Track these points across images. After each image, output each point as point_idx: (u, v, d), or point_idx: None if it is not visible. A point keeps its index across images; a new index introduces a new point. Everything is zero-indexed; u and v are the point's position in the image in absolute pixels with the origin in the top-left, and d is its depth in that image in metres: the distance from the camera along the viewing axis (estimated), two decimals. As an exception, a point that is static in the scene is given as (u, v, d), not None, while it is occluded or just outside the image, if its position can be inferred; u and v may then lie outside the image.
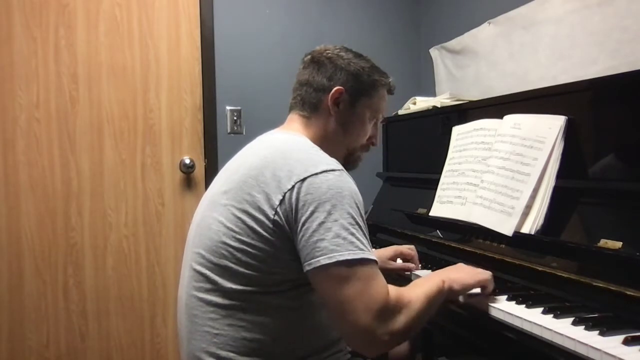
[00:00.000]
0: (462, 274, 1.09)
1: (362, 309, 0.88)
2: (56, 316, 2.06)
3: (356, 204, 0.95)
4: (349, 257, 0.89)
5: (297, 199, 0.92)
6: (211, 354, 0.97)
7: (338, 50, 1.16)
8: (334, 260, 0.89)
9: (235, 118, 2.30)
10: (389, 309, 0.91)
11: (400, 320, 0.92)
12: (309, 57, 1.18)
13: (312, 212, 0.91)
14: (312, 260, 0.90)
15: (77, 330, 2.09)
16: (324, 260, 0.89)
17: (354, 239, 0.91)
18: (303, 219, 0.92)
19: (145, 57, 2.16)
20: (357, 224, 0.93)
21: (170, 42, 2.19)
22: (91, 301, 2.10)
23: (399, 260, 1.45)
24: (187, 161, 2.21)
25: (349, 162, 1.19)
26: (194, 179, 2.25)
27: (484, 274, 1.11)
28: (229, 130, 2.30)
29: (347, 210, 0.92)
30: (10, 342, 2.00)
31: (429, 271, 1.39)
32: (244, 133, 2.31)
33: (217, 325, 0.97)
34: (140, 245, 2.17)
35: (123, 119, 2.14)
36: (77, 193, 2.08)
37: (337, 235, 0.90)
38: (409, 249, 1.44)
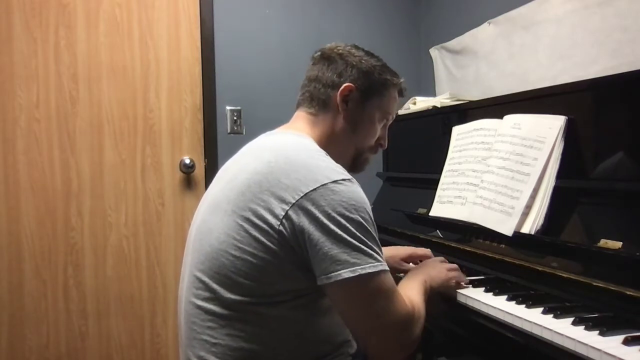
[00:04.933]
0: (438, 273, 1.16)
1: (392, 323, 0.92)
2: (56, 316, 2.06)
3: (369, 213, 0.94)
4: (371, 271, 0.89)
5: (308, 211, 0.89)
6: None
7: (349, 47, 1.13)
8: (357, 274, 0.88)
9: (235, 118, 2.30)
10: (411, 318, 0.95)
11: (419, 326, 0.97)
12: (319, 53, 1.15)
13: (327, 226, 0.89)
14: (332, 274, 0.88)
15: (77, 330, 2.09)
16: (346, 273, 0.87)
17: (372, 252, 0.90)
18: (317, 232, 0.89)
19: (145, 57, 2.16)
20: (372, 235, 0.93)
21: (170, 42, 2.19)
22: (91, 301, 2.10)
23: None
24: (187, 161, 2.21)
25: (357, 164, 1.16)
26: (194, 179, 2.25)
27: (453, 267, 1.20)
28: (229, 130, 2.30)
29: (361, 223, 0.91)
30: (10, 342, 2.00)
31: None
32: (244, 133, 2.31)
33: (216, 334, 0.95)
34: (140, 245, 2.17)
35: (123, 119, 2.14)
36: (77, 193, 2.08)
37: (356, 249, 0.89)
38: (424, 252, 1.40)
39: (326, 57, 1.12)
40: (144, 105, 2.16)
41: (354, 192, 0.93)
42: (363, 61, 1.11)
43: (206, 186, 2.24)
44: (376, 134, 1.16)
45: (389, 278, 0.93)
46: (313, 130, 1.10)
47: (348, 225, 0.89)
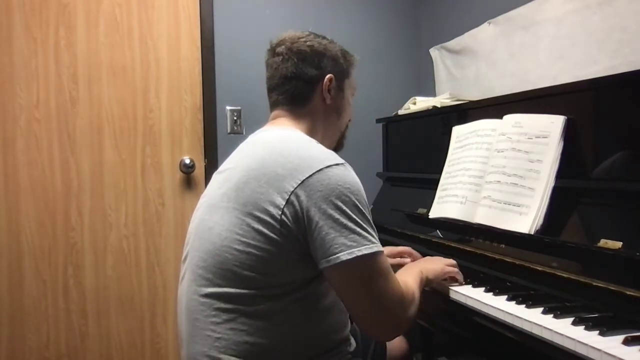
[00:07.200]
0: (434, 265, 1.20)
1: (390, 301, 0.95)
2: (56, 316, 2.06)
3: (363, 196, 0.97)
4: (367, 252, 0.92)
5: (306, 196, 0.92)
6: (212, 358, 0.96)
7: (311, 36, 1.16)
8: (354, 255, 0.90)
9: (235, 118, 2.30)
10: (406, 298, 0.99)
11: (414, 307, 1.01)
12: (282, 47, 1.14)
13: (325, 209, 0.91)
14: (331, 257, 0.91)
15: (77, 330, 2.09)
16: (344, 256, 0.90)
17: (366, 233, 0.93)
18: (316, 217, 0.91)
19: (145, 57, 2.16)
20: (367, 217, 0.96)
21: (170, 42, 2.19)
22: (91, 301, 2.10)
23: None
24: (187, 161, 2.21)
25: (340, 143, 1.24)
26: (194, 179, 2.25)
27: (451, 263, 1.23)
28: (229, 130, 2.30)
29: (357, 205, 0.94)
30: (10, 342, 2.00)
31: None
32: (244, 133, 2.31)
33: (219, 329, 0.96)
34: (140, 245, 2.17)
35: (123, 119, 2.14)
36: (77, 193, 2.08)
37: (352, 231, 0.92)
38: (403, 248, 1.43)
39: (295, 51, 1.13)
40: (144, 106, 2.16)
41: (348, 176, 0.96)
42: (330, 48, 1.15)
43: (206, 186, 2.24)
44: (351, 111, 1.23)
45: (384, 258, 0.96)
46: (300, 124, 1.13)
47: (344, 208, 0.92)
